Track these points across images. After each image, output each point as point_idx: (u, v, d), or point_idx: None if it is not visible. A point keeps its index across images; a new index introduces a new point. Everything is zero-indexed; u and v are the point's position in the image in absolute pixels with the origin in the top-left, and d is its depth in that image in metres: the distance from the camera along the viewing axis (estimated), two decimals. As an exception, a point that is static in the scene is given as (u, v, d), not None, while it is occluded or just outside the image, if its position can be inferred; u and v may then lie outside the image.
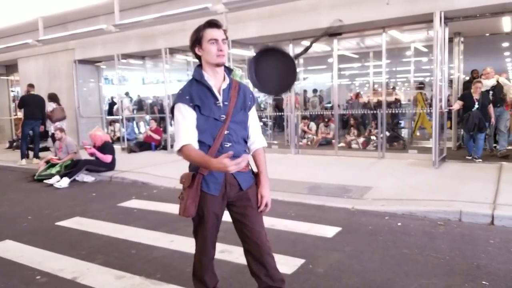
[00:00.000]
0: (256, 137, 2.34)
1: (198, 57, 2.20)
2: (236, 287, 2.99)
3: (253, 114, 2.33)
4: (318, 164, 7.90)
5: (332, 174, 6.77)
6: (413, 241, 3.90)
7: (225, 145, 2.15)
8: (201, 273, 2.42)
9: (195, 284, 2.47)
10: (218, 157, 2.06)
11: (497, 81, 8.09)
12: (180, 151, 2.11)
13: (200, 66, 2.24)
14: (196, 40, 2.14)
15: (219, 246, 2.50)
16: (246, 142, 2.31)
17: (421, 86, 10.03)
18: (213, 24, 2.12)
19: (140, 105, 14.73)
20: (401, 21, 7.67)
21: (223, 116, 2.16)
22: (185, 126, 2.12)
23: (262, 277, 2.29)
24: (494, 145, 8.19)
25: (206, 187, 2.18)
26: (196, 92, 2.15)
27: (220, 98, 2.17)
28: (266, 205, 2.31)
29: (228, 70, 2.26)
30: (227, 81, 2.22)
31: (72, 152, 7.83)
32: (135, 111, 14.21)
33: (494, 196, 4.96)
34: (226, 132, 2.16)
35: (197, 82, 2.18)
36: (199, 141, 2.14)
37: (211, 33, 2.10)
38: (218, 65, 2.16)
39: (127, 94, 14.45)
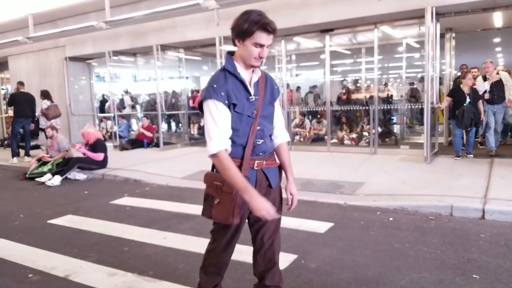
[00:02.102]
0: (280, 131, 2.23)
1: (234, 43, 2.01)
2: (229, 283, 2.99)
3: (277, 106, 2.22)
4: (310, 160, 7.92)
5: (324, 170, 6.79)
6: (404, 235, 3.93)
7: (257, 142, 2.06)
8: (215, 271, 2.32)
9: (202, 279, 2.36)
10: (253, 157, 2.04)
11: (497, 74, 7.69)
12: (215, 156, 1.94)
13: (231, 53, 2.05)
14: (242, 33, 1.93)
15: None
16: (271, 136, 2.22)
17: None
18: (267, 29, 1.91)
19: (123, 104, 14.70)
20: (393, 17, 7.70)
21: (255, 111, 2.05)
22: (219, 127, 1.94)
23: (267, 277, 2.26)
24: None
25: None
26: (231, 88, 1.97)
27: (252, 92, 2.05)
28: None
29: None
30: (258, 73, 2.09)
31: (63, 150, 7.77)
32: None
33: (485, 190, 5.01)
34: (257, 128, 2.05)
35: (230, 75, 2.00)
36: (232, 141, 2.01)
37: (260, 36, 1.91)
38: (252, 66, 2.01)
39: (126, 91, 14.41)
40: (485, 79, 7.70)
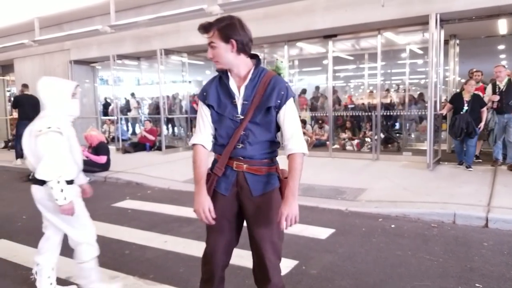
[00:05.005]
0: (290, 141, 2.03)
1: None
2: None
3: (285, 114, 2.03)
4: (312, 165, 7.89)
5: (326, 176, 6.78)
6: (406, 243, 3.91)
7: (237, 146, 2.04)
8: (208, 277, 2.25)
9: (200, 285, 2.31)
10: (232, 157, 2.05)
11: (509, 81, 6.99)
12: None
13: None
14: None
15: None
16: (272, 144, 2.10)
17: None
18: (199, 29, 1.99)
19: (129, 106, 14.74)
20: (397, 23, 7.70)
21: (239, 115, 2.03)
22: (199, 124, 2.13)
23: None
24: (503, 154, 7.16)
25: (217, 186, 2.11)
26: (215, 89, 2.08)
27: (237, 96, 2.04)
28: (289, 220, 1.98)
29: (257, 61, 2.07)
30: (249, 76, 2.04)
31: (66, 153, 7.78)
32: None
33: (489, 198, 4.98)
34: (242, 132, 2.02)
35: (220, 78, 2.10)
36: (215, 139, 2.11)
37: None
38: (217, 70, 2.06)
39: (132, 94, 14.48)
40: (494, 86, 7.15)
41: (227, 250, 2.20)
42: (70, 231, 2.85)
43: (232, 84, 2.06)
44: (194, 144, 2.13)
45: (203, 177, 2.07)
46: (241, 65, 2.03)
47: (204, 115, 2.11)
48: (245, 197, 2.09)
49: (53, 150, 2.58)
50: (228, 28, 1.96)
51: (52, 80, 2.87)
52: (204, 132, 2.11)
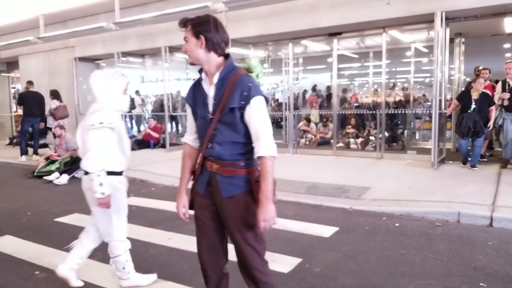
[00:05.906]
0: (257, 143, 1.99)
1: None
2: (232, 285, 2.98)
3: (250, 115, 1.97)
4: (316, 164, 7.90)
5: (330, 174, 6.76)
6: (410, 241, 3.91)
7: (208, 146, 2.06)
8: (204, 276, 2.28)
9: None
10: (206, 157, 2.08)
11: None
12: None
13: None
14: None
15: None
16: (244, 146, 2.04)
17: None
18: (179, 23, 2.06)
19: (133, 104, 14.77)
20: (402, 21, 7.66)
21: (209, 114, 2.03)
22: (187, 124, 2.25)
23: None
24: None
25: (196, 184, 2.19)
26: (193, 89, 2.16)
27: (209, 94, 2.04)
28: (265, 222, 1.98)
29: (227, 60, 2.05)
30: (217, 75, 2.02)
31: (71, 149, 7.81)
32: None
33: (493, 198, 4.96)
34: (212, 132, 2.03)
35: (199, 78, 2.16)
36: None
37: None
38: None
39: (137, 92, 14.51)
40: (504, 83, 7.00)
41: (212, 249, 2.22)
42: (106, 225, 2.93)
43: (205, 83, 2.08)
44: (184, 143, 2.27)
45: (185, 177, 2.23)
46: (212, 63, 2.03)
47: (188, 115, 2.22)
48: (217, 198, 2.10)
49: (100, 145, 2.70)
50: (200, 25, 2.00)
51: (106, 74, 3.04)
52: (190, 131, 2.23)
